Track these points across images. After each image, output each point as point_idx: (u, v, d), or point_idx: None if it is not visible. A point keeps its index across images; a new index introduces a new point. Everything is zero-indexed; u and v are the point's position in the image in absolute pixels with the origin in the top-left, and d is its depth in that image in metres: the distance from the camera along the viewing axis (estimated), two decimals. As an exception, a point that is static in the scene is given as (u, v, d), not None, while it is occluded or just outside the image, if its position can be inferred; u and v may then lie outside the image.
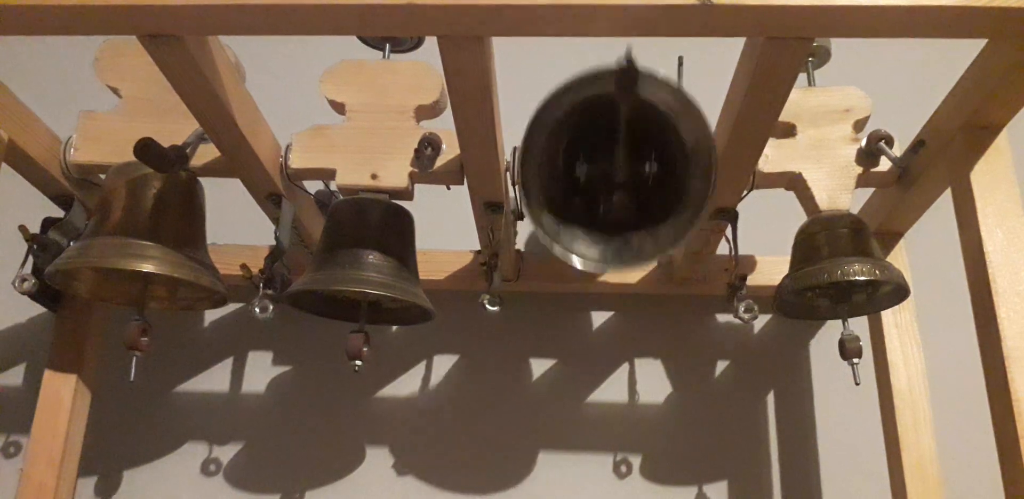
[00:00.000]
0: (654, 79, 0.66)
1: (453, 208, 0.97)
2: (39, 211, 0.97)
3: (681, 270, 1.03)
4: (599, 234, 0.75)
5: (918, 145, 0.87)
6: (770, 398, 1.10)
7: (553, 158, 0.75)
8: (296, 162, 0.88)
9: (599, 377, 1.12)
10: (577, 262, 0.74)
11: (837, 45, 0.95)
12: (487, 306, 0.86)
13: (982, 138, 0.80)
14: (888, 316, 1.01)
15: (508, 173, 0.86)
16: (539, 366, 1.12)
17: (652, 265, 1.06)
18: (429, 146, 0.85)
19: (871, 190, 0.99)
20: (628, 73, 0.65)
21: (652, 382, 1.11)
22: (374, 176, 0.87)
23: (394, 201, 0.88)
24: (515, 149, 0.86)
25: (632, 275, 1.07)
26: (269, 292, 0.87)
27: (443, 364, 1.13)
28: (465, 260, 1.06)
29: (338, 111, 0.90)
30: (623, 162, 0.73)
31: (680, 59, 0.77)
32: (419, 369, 1.13)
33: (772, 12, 0.62)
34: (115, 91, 0.92)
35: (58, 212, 0.96)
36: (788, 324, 1.13)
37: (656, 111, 0.70)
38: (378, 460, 1.09)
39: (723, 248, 0.95)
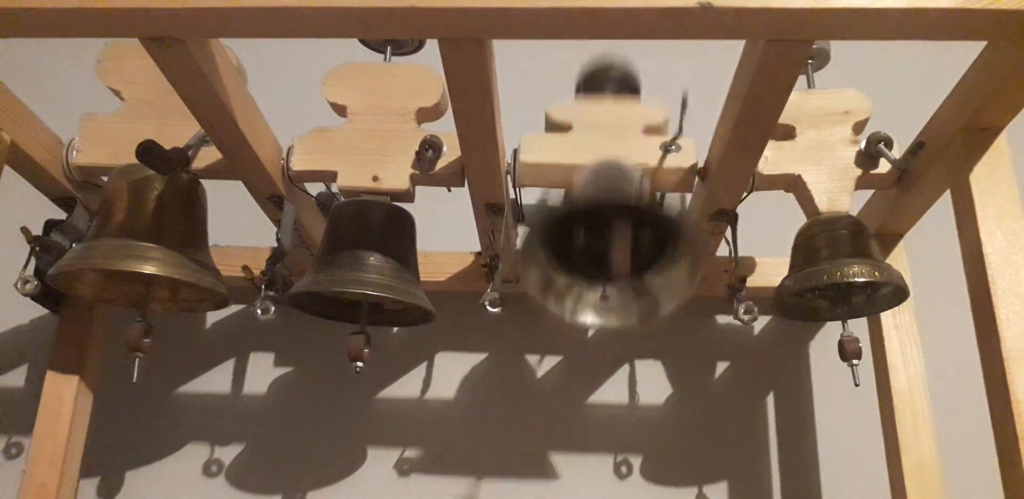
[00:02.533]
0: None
1: (454, 210, 0.97)
2: (41, 213, 0.97)
3: (681, 271, 1.03)
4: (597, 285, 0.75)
5: (917, 147, 0.87)
6: (770, 399, 1.11)
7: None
8: (297, 164, 0.88)
9: (599, 378, 1.12)
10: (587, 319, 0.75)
11: (836, 47, 0.96)
12: (488, 307, 0.86)
13: (981, 140, 0.80)
14: (888, 317, 1.01)
15: (508, 175, 0.87)
16: (540, 367, 1.13)
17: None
18: (430, 148, 0.85)
19: (870, 192, 0.99)
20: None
21: (652, 383, 1.12)
22: (375, 178, 0.87)
23: (395, 203, 0.88)
24: (515, 151, 0.87)
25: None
26: (271, 293, 0.87)
27: (444, 365, 1.13)
28: (466, 261, 1.06)
29: (339, 113, 0.90)
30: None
31: (684, 97, 0.77)
32: (420, 370, 1.13)
33: (772, 14, 0.62)
34: (117, 93, 0.93)
35: (60, 214, 0.97)
36: (788, 325, 1.13)
37: None
38: (379, 461, 1.09)
39: (723, 249, 0.95)
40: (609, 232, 0.72)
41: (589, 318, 0.75)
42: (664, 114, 0.88)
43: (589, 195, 0.75)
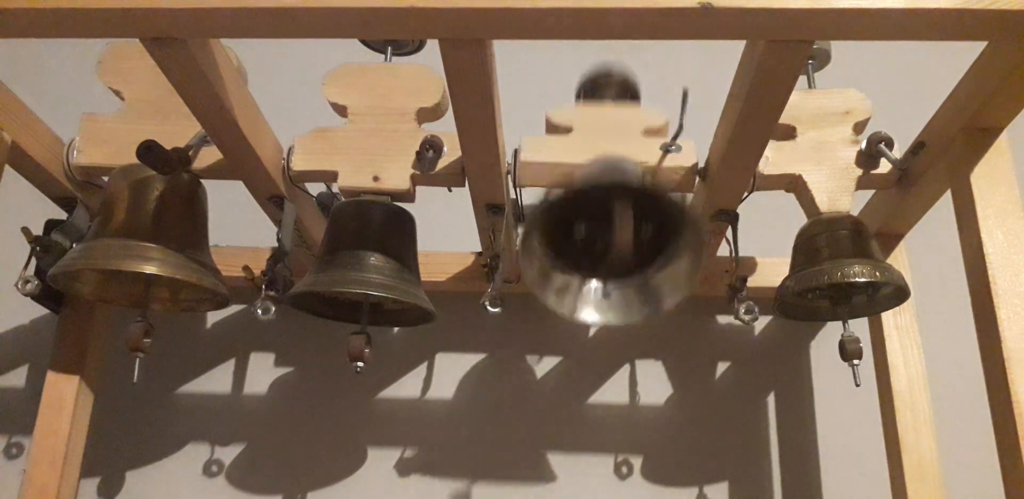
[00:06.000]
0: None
1: (454, 210, 0.97)
2: (42, 213, 0.97)
3: (682, 271, 1.03)
4: (597, 281, 0.73)
5: (918, 147, 0.87)
6: (771, 399, 1.11)
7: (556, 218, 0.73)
8: (298, 164, 0.88)
9: (600, 378, 1.12)
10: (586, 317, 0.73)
11: (837, 47, 0.96)
12: (488, 307, 0.86)
13: (982, 140, 0.80)
14: (888, 318, 1.01)
15: (509, 175, 0.87)
16: (540, 367, 1.13)
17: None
18: (430, 148, 0.85)
19: (871, 192, 0.99)
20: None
21: (653, 383, 1.11)
22: (376, 178, 0.87)
23: (395, 203, 0.88)
24: (516, 151, 0.87)
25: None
26: (271, 293, 0.87)
27: (444, 365, 1.13)
28: (466, 261, 1.06)
29: (340, 114, 0.90)
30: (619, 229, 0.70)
31: (685, 93, 0.76)
32: (420, 370, 1.13)
33: (772, 15, 0.62)
34: (118, 93, 0.93)
35: (61, 214, 0.97)
36: (789, 326, 1.13)
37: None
38: (380, 461, 1.09)
39: (723, 249, 0.95)
40: (610, 222, 0.70)
41: (590, 315, 0.74)
42: (664, 117, 0.88)
43: (590, 176, 0.71)
